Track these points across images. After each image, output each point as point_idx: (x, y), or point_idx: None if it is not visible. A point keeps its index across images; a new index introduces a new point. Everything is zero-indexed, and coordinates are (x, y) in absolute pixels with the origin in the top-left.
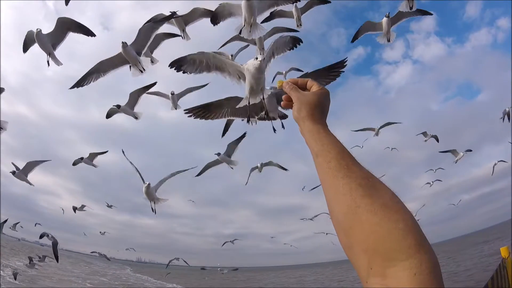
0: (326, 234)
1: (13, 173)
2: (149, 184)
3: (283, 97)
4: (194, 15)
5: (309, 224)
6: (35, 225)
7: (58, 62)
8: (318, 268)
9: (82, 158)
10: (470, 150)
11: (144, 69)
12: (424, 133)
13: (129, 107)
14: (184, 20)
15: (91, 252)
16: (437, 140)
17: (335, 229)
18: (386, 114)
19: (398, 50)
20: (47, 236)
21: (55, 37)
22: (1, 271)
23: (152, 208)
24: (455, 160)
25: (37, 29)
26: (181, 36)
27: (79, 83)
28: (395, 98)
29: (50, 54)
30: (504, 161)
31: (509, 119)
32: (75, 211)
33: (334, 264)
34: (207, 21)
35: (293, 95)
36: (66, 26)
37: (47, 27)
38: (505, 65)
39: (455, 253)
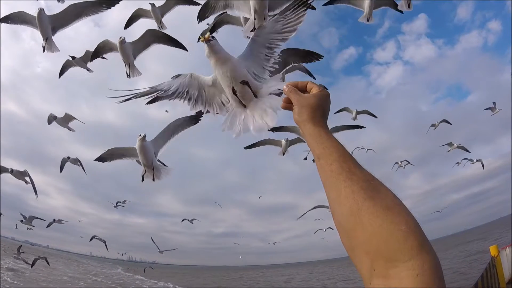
0: (325, 230)
1: (11, 171)
2: (144, 136)
3: (283, 99)
4: (169, 4)
5: (301, 222)
6: (27, 229)
7: (54, 48)
8: (309, 267)
9: (55, 117)
10: (463, 147)
11: (131, 75)
12: (433, 125)
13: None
14: (162, 12)
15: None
16: (449, 123)
17: (337, 230)
18: (377, 114)
19: (389, 51)
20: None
21: (59, 20)
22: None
23: (142, 177)
24: (448, 149)
25: (39, 8)
26: (158, 27)
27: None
28: (385, 98)
29: (48, 38)
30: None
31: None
32: (50, 123)
33: (325, 262)
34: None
35: (293, 98)
36: (78, 11)
37: None
38: (494, 67)
39: (443, 252)
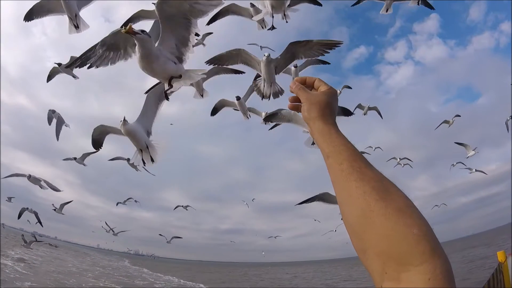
0: (335, 230)
1: (29, 177)
2: (124, 120)
3: (289, 98)
4: None
5: (306, 222)
6: (36, 223)
7: (84, 26)
8: (314, 266)
9: (54, 112)
10: (477, 151)
11: None
12: (446, 121)
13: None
14: None
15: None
16: (459, 116)
17: (347, 231)
18: (386, 114)
19: (400, 50)
20: (27, 209)
21: None
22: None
23: (142, 160)
24: (467, 156)
25: None
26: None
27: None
28: (395, 98)
29: (76, 15)
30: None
31: (507, 129)
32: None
33: (330, 262)
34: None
35: (301, 96)
36: None
37: (47, 18)
38: (506, 70)
39: (449, 255)
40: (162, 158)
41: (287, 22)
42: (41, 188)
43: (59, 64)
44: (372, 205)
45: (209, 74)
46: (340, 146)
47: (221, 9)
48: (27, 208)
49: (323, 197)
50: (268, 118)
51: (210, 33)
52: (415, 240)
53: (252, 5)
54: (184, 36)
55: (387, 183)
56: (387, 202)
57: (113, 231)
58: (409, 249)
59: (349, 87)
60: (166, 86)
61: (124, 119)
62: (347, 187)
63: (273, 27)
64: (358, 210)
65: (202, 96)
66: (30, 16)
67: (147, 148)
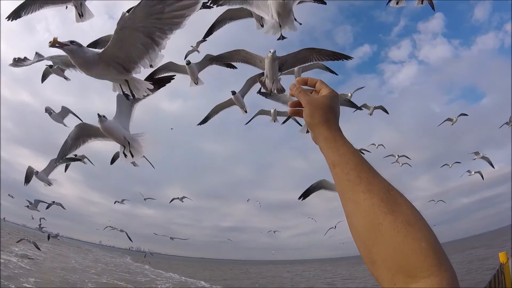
0: (335, 227)
1: (36, 173)
2: (103, 116)
3: (289, 103)
4: None
5: (308, 221)
6: (40, 220)
7: (89, 15)
8: (316, 264)
9: (51, 113)
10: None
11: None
12: (449, 119)
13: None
14: None
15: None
16: (466, 115)
17: (355, 242)
18: (389, 114)
19: (404, 49)
20: (28, 206)
21: None
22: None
23: (124, 154)
24: (473, 158)
25: None
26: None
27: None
28: (398, 98)
29: (82, 4)
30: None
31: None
32: None
33: (333, 261)
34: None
35: (302, 99)
36: None
37: (51, 15)
38: (510, 70)
39: (449, 256)
40: (147, 151)
41: (300, 24)
42: (50, 184)
43: (51, 66)
44: (381, 218)
45: (204, 64)
46: (347, 155)
47: (216, 20)
48: (28, 205)
49: (324, 185)
50: (262, 94)
51: (204, 40)
52: (424, 254)
53: None
54: (139, 57)
55: (395, 194)
56: (396, 215)
57: (117, 228)
58: (418, 262)
59: (362, 87)
60: (124, 89)
61: (99, 115)
62: (355, 199)
63: (282, 37)
64: (366, 223)
65: (196, 84)
66: (17, 13)
67: (129, 143)
